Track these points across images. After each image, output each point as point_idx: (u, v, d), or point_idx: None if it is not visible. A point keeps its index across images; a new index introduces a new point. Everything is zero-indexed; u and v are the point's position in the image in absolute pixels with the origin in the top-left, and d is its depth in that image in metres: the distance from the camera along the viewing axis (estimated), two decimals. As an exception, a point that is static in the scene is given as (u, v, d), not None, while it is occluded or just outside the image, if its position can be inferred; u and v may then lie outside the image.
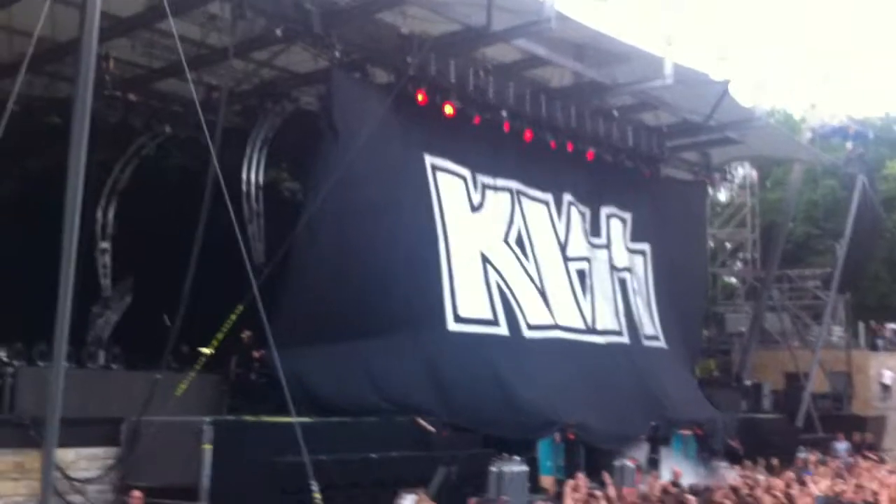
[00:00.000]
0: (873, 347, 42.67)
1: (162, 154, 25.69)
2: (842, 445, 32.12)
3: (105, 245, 23.14)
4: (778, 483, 18.43)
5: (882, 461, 25.78)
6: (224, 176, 16.69)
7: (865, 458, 26.90)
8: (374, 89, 24.10)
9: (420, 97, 23.97)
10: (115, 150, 24.11)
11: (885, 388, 40.56)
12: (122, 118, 24.20)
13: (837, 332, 41.88)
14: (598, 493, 16.91)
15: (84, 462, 17.68)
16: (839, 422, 35.54)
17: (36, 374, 17.17)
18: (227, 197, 16.67)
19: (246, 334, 20.07)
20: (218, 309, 18.61)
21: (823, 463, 26.57)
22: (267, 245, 23.25)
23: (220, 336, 18.21)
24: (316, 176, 22.39)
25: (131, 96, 24.46)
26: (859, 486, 18.29)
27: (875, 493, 16.98)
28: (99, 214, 23.13)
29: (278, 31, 22.65)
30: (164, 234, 23.65)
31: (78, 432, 16.87)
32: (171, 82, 24.62)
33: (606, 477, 19.09)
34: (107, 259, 23.01)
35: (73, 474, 17.30)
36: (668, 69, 27.12)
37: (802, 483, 18.99)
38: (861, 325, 43.52)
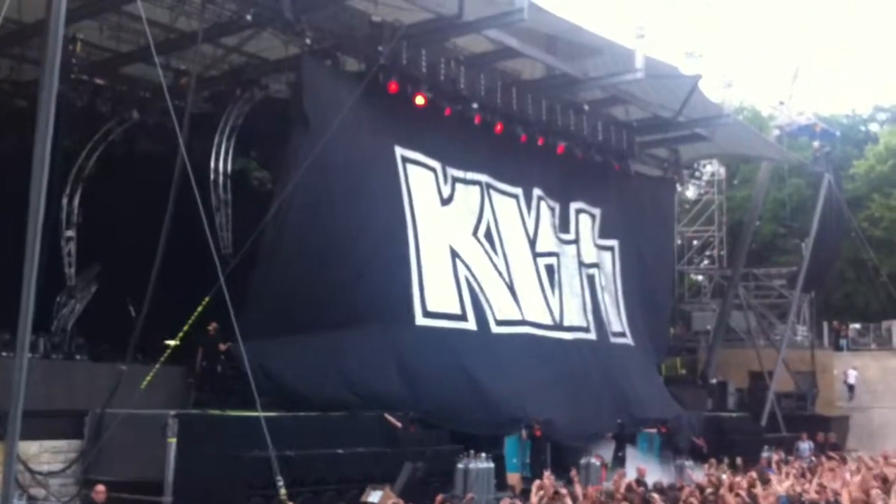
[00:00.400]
0: (837, 348, 42.94)
1: (129, 140, 25.29)
2: (805, 445, 32.28)
3: (70, 233, 22.65)
4: (742, 482, 18.43)
5: (844, 461, 25.88)
6: (192, 163, 16.41)
7: (829, 458, 26.99)
8: (344, 77, 23.87)
9: (391, 87, 23.75)
10: (82, 136, 23.64)
11: (851, 388, 40.80)
12: (88, 103, 23.79)
13: (802, 331, 42.14)
14: (564, 490, 16.79)
15: (47, 455, 17.46)
16: (803, 422, 35.72)
17: (-1, 365, 16.78)
18: (194, 185, 16.39)
19: (212, 326, 19.79)
20: (185, 299, 18.32)
21: (787, 462, 26.65)
22: (235, 235, 22.92)
23: (186, 328, 17.90)
24: (285, 165, 22.14)
25: (98, 80, 24.06)
26: (822, 487, 18.33)
27: (837, 494, 17.00)
28: (64, 202, 22.66)
29: (248, 16, 22.40)
30: (130, 223, 23.33)
31: (42, 424, 16.66)
32: (138, 67, 24.26)
33: (575, 475, 19.02)
34: (72, 247, 22.54)
35: (35, 467, 17.09)
36: (639, 62, 27.08)
37: (766, 482, 19.00)
38: (825, 325, 43.80)
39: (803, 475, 21.40)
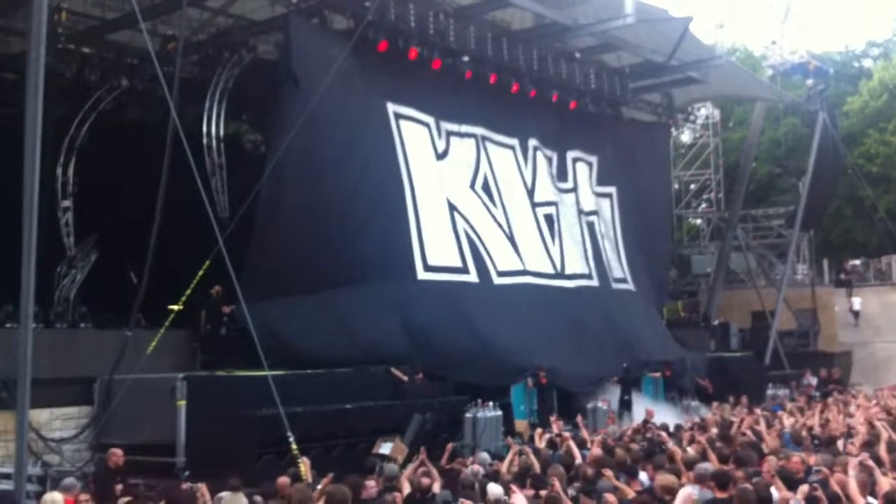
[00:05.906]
0: (838, 284, 43.05)
1: (119, 108, 25.16)
2: (809, 381, 32.52)
3: (67, 203, 22.67)
4: (747, 420, 18.56)
5: (853, 396, 26.12)
6: (184, 129, 16.34)
7: (834, 392, 27.24)
8: (333, 36, 23.66)
9: (381, 46, 23.61)
10: (72, 106, 23.54)
11: (856, 314, 41.00)
12: (77, 72, 23.70)
13: (802, 269, 42.24)
14: (566, 434, 16.91)
15: (58, 422, 17.68)
16: (806, 358, 35.99)
17: (5, 336, 16.91)
18: (187, 150, 16.34)
19: (216, 289, 19.84)
20: (185, 264, 18.34)
21: (792, 399, 26.86)
22: (231, 198, 22.90)
23: (188, 292, 17.94)
24: (278, 126, 22.01)
25: (85, 49, 23.91)
26: (827, 421, 18.50)
27: (851, 428, 17.13)
28: (59, 172, 22.65)
29: (233, -23, 22.21)
30: (125, 190, 23.29)
31: (51, 393, 16.85)
32: (125, 34, 24.08)
33: (580, 420, 19.16)
34: (69, 217, 22.57)
35: (47, 434, 17.28)
36: (629, 7, 26.87)
37: (771, 419, 19.14)
38: (825, 262, 43.90)
39: (807, 411, 21.54)
